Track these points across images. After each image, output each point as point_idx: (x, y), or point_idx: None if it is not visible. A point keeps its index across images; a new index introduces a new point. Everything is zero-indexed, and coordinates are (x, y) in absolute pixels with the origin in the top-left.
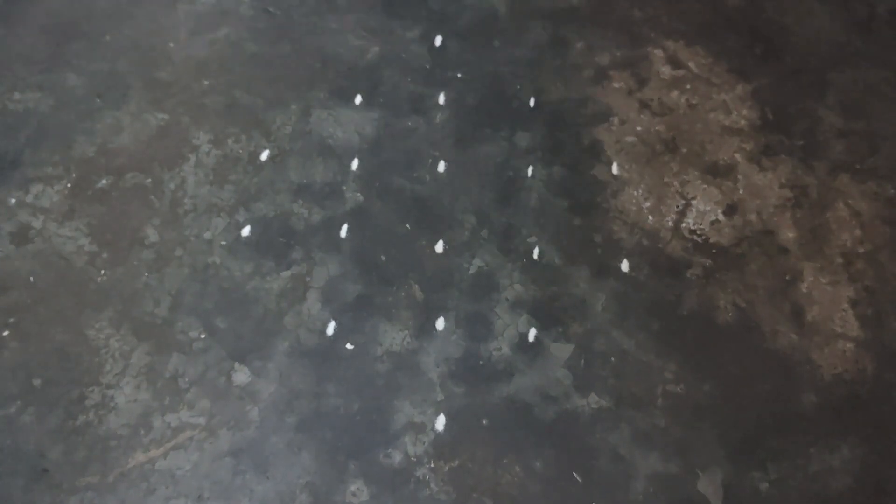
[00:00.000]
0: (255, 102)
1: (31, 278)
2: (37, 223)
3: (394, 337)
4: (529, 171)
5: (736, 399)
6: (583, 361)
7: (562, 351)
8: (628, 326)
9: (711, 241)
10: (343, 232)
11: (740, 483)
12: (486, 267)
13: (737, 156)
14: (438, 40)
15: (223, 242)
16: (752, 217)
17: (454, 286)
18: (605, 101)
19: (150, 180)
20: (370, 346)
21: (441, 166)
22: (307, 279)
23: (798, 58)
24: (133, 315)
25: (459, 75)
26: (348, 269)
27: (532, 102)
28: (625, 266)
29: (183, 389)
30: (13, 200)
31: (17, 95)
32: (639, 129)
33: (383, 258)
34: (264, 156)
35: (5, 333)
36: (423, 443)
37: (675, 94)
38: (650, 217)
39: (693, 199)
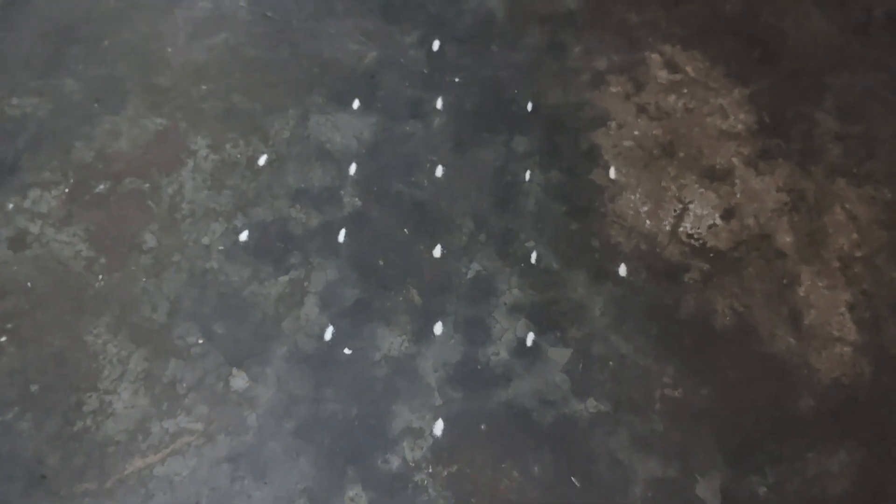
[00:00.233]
0: (254, 107)
1: (29, 284)
2: (34, 228)
3: (392, 342)
4: (527, 175)
5: (734, 403)
6: (581, 366)
7: (560, 355)
8: (626, 331)
9: (709, 245)
10: (341, 237)
11: (739, 487)
12: (485, 271)
13: (734, 160)
14: (436, 45)
15: (221, 247)
16: (750, 221)
17: (452, 291)
18: (602, 106)
19: (148, 185)
20: (368, 351)
21: (439, 171)
22: (305, 284)
23: (795, 62)
24: (131, 320)
25: (457, 80)
26: (346, 274)
27: (530, 107)
28: (622, 270)
29: (181, 395)
30: (11, 206)
31: (15, 100)
32: (636, 133)
33: (381, 263)
34: (262, 161)
35: (3, 339)
36: (422, 448)
37: (672, 98)
38: (648, 221)
39: (690, 203)
